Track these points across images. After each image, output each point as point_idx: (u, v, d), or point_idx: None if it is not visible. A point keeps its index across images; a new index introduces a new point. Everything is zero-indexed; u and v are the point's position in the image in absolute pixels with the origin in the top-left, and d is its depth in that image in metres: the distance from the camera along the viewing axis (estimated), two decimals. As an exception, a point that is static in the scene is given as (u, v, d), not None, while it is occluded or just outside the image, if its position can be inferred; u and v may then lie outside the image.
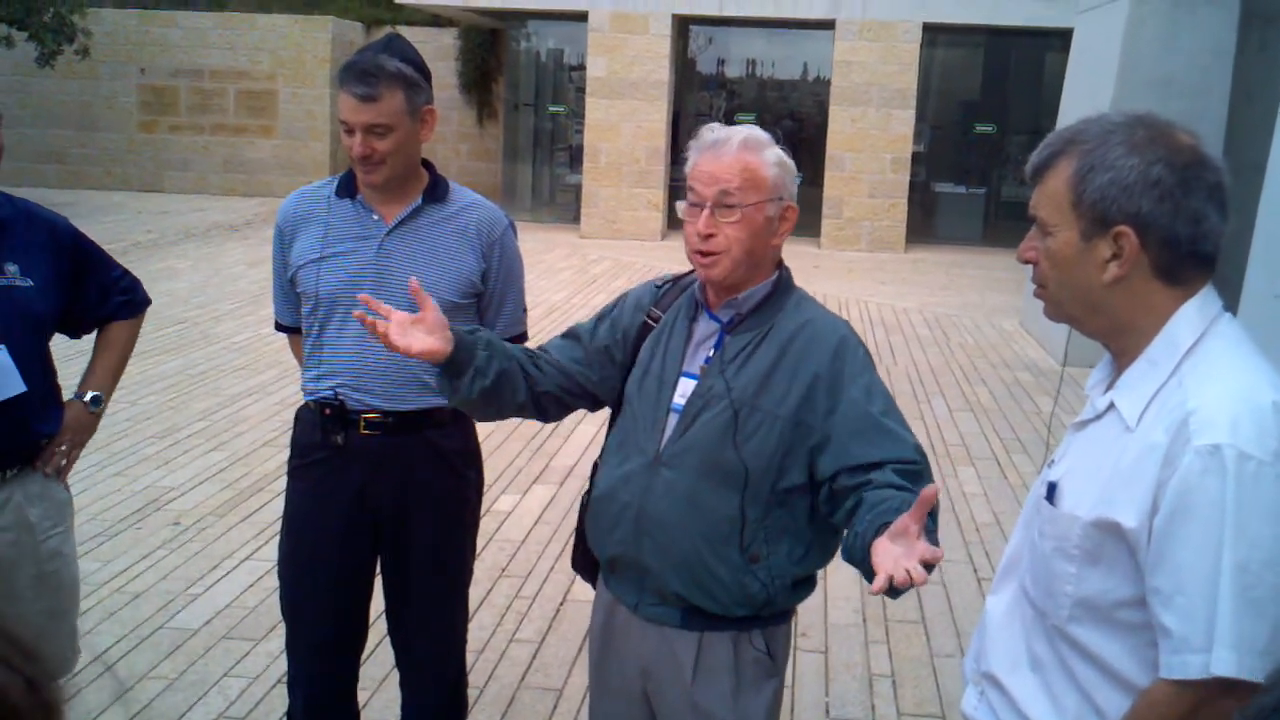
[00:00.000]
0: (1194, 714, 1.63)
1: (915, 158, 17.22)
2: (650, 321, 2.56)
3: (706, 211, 2.34)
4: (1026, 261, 1.87)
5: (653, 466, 2.42)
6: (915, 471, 2.27)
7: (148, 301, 3.37)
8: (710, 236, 2.34)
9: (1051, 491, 1.84)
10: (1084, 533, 1.74)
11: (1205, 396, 1.66)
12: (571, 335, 2.65)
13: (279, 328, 3.34)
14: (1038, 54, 17.96)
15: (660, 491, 2.39)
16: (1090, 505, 1.74)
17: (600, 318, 2.65)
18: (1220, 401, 1.64)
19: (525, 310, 3.32)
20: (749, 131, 2.41)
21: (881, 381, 2.41)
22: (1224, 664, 1.58)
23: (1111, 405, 1.80)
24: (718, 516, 2.36)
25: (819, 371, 2.35)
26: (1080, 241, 1.76)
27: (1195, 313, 1.75)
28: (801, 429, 2.34)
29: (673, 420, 2.42)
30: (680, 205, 2.43)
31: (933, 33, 17.07)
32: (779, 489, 2.36)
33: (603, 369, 2.59)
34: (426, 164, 3.14)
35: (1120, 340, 1.81)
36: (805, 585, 2.49)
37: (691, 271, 2.56)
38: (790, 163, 2.44)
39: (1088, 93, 10.35)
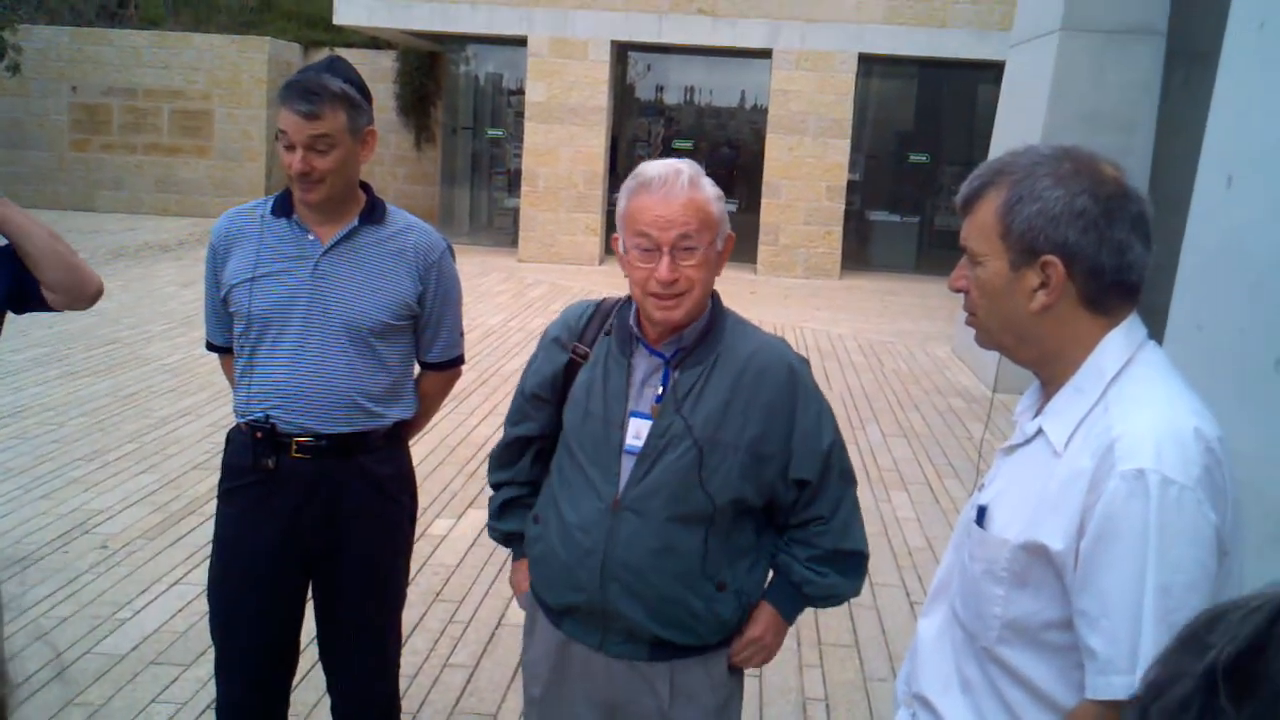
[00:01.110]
0: None
1: (850, 186, 17.40)
2: (577, 358, 2.51)
3: (667, 257, 2.29)
4: (957, 290, 1.90)
5: (614, 512, 2.38)
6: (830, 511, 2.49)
7: None
8: (675, 281, 2.30)
9: (981, 515, 1.87)
10: (1012, 556, 1.77)
11: (1130, 423, 1.69)
12: (517, 400, 2.74)
13: (210, 348, 3.31)
14: (971, 86, 18.25)
15: (626, 537, 2.36)
16: (1019, 529, 1.77)
17: (526, 370, 2.66)
18: (1145, 427, 1.67)
19: (462, 334, 3.32)
20: (690, 169, 2.36)
21: (828, 405, 2.50)
22: None
23: (1040, 431, 1.83)
24: (687, 554, 2.36)
25: (774, 401, 2.37)
26: (1009, 271, 1.79)
27: (1121, 340, 1.79)
28: (760, 459, 2.37)
29: (628, 463, 2.39)
30: (629, 251, 2.35)
31: (868, 64, 17.29)
32: (736, 514, 2.40)
33: (540, 412, 2.61)
34: (364, 186, 3.14)
35: (1049, 368, 1.85)
36: None
37: (605, 300, 2.57)
38: (720, 191, 2.43)
39: (1019, 125, 10.53)
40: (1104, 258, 1.75)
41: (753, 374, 2.38)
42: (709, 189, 2.36)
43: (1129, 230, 1.75)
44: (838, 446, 2.47)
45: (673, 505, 2.34)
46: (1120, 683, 1.63)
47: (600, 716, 2.52)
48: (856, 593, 2.57)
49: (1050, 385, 1.86)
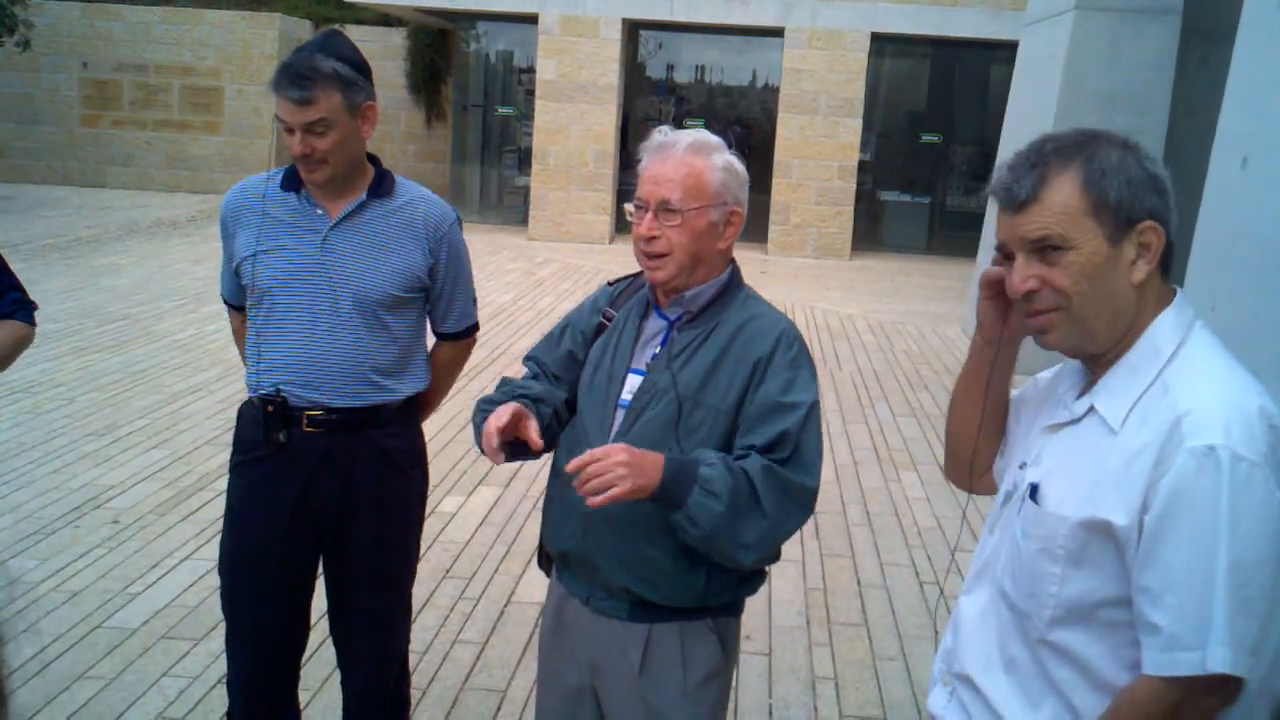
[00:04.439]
0: (1175, 711, 1.66)
1: (862, 166, 17.35)
2: (605, 321, 2.60)
3: (650, 215, 2.38)
4: (1028, 293, 1.80)
5: None
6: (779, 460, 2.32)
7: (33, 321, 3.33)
8: (653, 239, 2.38)
9: (1034, 492, 1.86)
10: (1070, 533, 1.77)
11: (1197, 399, 1.69)
12: (533, 359, 2.69)
13: (225, 301, 3.34)
14: (984, 65, 18.17)
15: None
16: (1076, 506, 1.77)
17: (565, 326, 2.68)
18: (1212, 404, 1.67)
19: (475, 301, 3.33)
20: (697, 135, 2.43)
21: (807, 380, 2.39)
22: (1220, 661, 1.61)
23: (1091, 409, 1.82)
24: (659, 510, 2.36)
25: (760, 357, 2.37)
26: (1109, 247, 1.75)
27: (1174, 320, 1.80)
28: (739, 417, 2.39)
29: (620, 416, 2.45)
30: (628, 206, 2.46)
31: (881, 43, 17.21)
32: None
33: (569, 374, 2.62)
34: (373, 159, 3.13)
35: (1117, 347, 1.82)
36: (753, 578, 2.51)
37: (643, 272, 2.58)
38: (739, 168, 2.45)
39: (1032, 105, 10.48)
40: (1172, 220, 1.77)
41: (745, 338, 2.40)
42: (715, 159, 2.40)
43: (1173, 196, 1.79)
44: (806, 420, 2.34)
45: None
46: (1187, 659, 1.63)
47: (584, 675, 2.55)
48: (718, 554, 2.32)
49: (1103, 365, 1.85)
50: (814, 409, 2.37)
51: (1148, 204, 1.74)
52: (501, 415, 2.34)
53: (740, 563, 2.33)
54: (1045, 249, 1.77)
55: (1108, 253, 1.75)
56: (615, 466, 2.17)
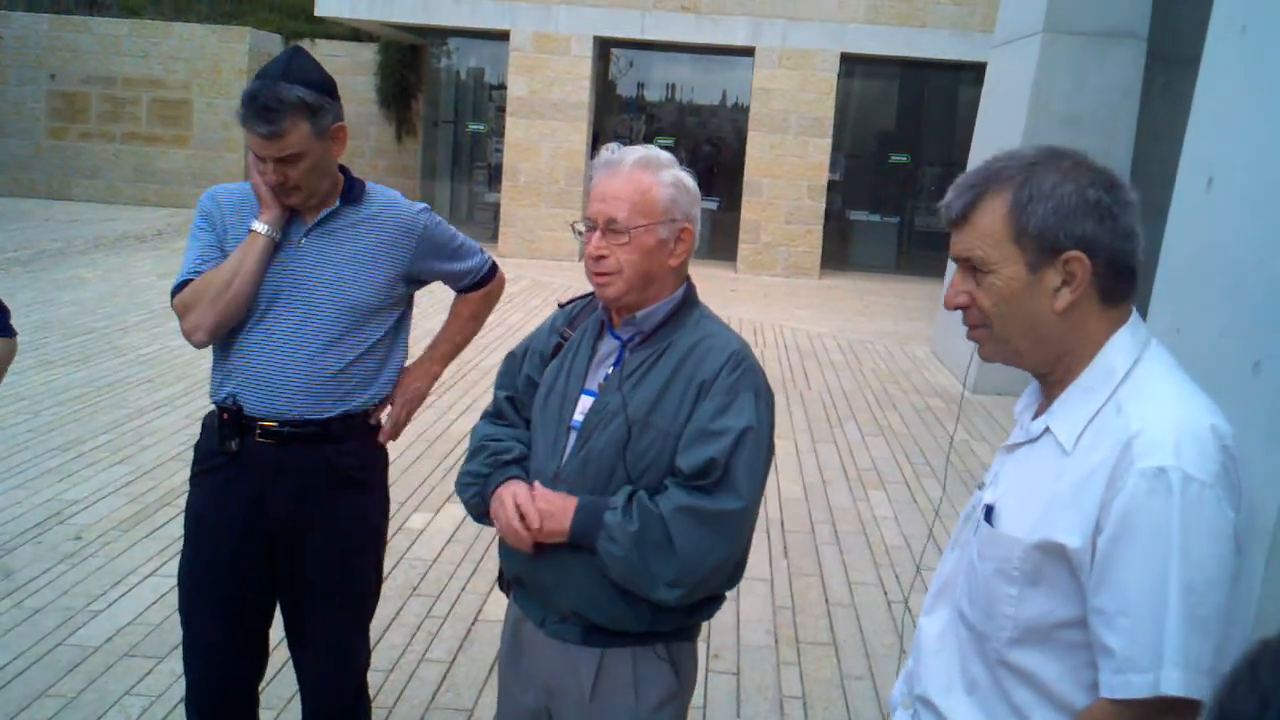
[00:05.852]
0: None
1: (831, 185, 17.43)
2: (562, 340, 2.57)
3: (597, 233, 2.36)
4: (957, 307, 1.85)
5: (552, 485, 2.40)
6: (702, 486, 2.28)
7: (12, 332, 3.31)
8: (601, 258, 2.36)
9: (989, 513, 1.85)
10: (1025, 555, 1.76)
11: (1148, 420, 1.68)
12: (505, 395, 2.65)
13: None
14: (952, 87, 18.32)
15: None
16: (1030, 527, 1.76)
17: (525, 350, 2.65)
18: (1163, 425, 1.67)
19: (480, 249, 3.43)
20: (645, 152, 2.40)
21: (746, 404, 2.33)
22: (1173, 683, 1.60)
23: (1046, 429, 1.82)
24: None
25: (705, 379, 2.34)
26: (1028, 274, 1.77)
27: (1128, 339, 1.79)
28: None
29: (572, 438, 2.42)
30: (578, 225, 2.44)
31: (850, 63, 17.33)
32: None
33: (530, 399, 2.59)
34: (342, 168, 3.13)
35: (1058, 369, 1.83)
36: (707, 603, 2.46)
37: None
38: (689, 184, 2.42)
39: (999, 127, 10.56)
40: (1118, 245, 1.76)
41: (695, 359, 2.37)
42: (663, 175, 2.37)
43: (1134, 217, 1.77)
44: (737, 446, 2.29)
45: (598, 481, 2.35)
46: (1140, 681, 1.62)
47: (537, 697, 2.53)
48: (640, 593, 2.31)
49: (1054, 386, 1.85)
50: (748, 434, 2.30)
51: (1077, 232, 1.74)
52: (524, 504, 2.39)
53: (664, 601, 2.30)
54: (972, 268, 1.81)
55: (1026, 279, 1.77)
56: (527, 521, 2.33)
